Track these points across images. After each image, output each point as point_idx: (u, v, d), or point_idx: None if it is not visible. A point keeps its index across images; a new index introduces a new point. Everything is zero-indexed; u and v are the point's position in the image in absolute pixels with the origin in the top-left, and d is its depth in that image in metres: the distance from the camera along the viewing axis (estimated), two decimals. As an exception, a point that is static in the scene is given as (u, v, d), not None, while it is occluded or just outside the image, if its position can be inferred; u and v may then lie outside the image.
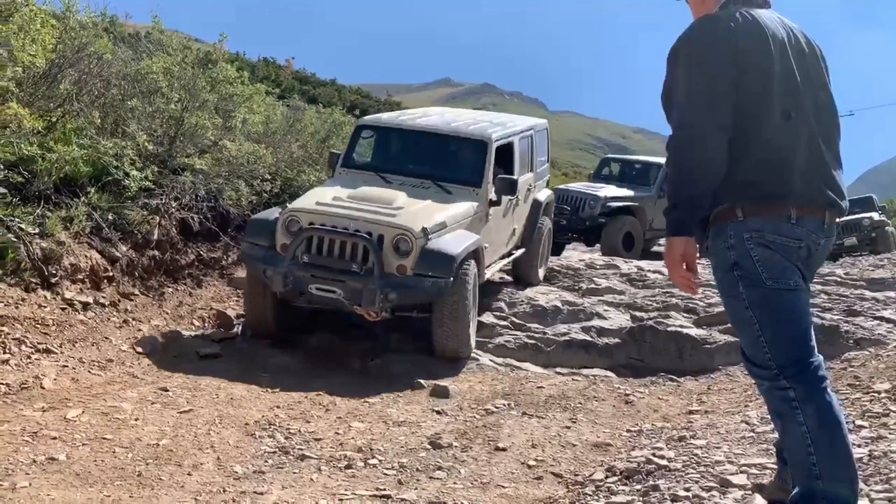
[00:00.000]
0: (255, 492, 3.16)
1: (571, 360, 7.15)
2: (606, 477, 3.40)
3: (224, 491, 3.16)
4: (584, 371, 6.70)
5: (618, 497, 3.01)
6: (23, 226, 5.85)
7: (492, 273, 7.19)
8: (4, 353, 4.84)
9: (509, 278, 8.58)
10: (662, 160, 13.93)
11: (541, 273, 8.80)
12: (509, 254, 8.02)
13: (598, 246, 12.93)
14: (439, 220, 6.11)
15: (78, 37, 7.55)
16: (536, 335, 7.47)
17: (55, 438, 3.58)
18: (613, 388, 5.71)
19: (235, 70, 9.46)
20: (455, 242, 6.03)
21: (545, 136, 9.10)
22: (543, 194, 8.80)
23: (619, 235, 12.30)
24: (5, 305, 5.25)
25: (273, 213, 6.39)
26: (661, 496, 2.89)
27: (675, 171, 2.31)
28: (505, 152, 7.44)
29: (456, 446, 4.01)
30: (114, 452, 3.49)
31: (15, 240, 5.67)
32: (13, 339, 5.05)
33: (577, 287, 8.83)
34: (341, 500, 3.14)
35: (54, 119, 7.28)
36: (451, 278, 5.78)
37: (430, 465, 3.68)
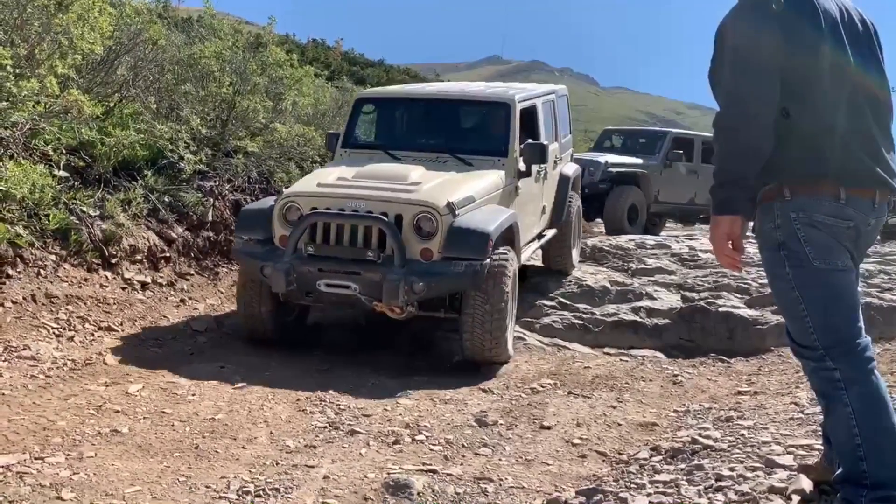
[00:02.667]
0: (307, 465, 3.27)
1: (620, 341, 7.13)
2: (651, 456, 3.41)
3: (277, 464, 3.27)
4: (633, 352, 6.68)
5: (662, 476, 3.02)
6: (84, 208, 6.09)
7: (526, 257, 6.37)
8: (70, 330, 5.07)
9: (538, 262, 7.79)
10: (668, 129, 13.10)
11: (575, 256, 8.06)
12: (540, 235, 7.14)
13: (598, 221, 11.95)
14: (466, 193, 5.28)
15: (133, 23, 7.75)
16: (584, 315, 7.46)
17: (118, 412, 3.75)
18: (661, 369, 5.68)
19: (285, 53, 9.59)
20: (487, 218, 5.22)
21: (566, 103, 8.16)
22: (570, 168, 7.92)
23: (624, 208, 11.28)
24: (69, 285, 5.49)
25: (267, 202, 5.64)
26: (704, 475, 2.89)
27: (721, 149, 2.29)
28: (529, 117, 6.53)
29: (501, 424, 4.06)
30: (172, 426, 3.64)
31: (77, 222, 5.91)
32: (77, 317, 5.28)
33: (626, 267, 8.77)
34: (389, 473, 3.22)
35: (112, 104, 7.51)
36: (487, 260, 4.98)
37: (475, 442, 3.74)
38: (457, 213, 5.04)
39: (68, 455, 3.15)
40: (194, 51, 8.43)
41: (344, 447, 3.56)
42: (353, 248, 4.99)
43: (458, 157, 5.93)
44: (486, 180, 5.66)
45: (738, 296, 7.56)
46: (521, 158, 6.06)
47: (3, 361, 4.42)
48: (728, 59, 2.25)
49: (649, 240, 9.96)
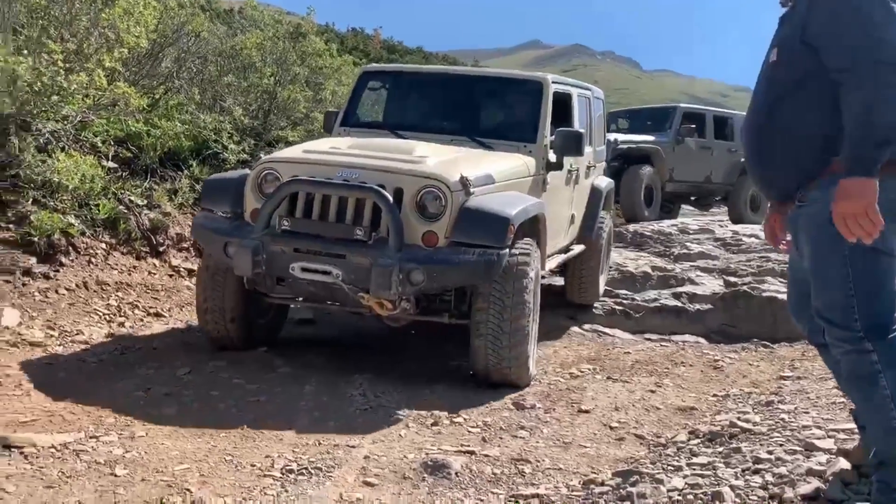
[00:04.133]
0: (348, 445, 3.35)
1: (661, 327, 7.10)
2: (689, 439, 3.41)
3: (319, 444, 3.36)
4: (674, 337, 6.65)
5: (699, 458, 3.02)
6: (132, 198, 6.28)
7: (549, 268, 5.37)
8: (120, 315, 5.25)
9: (558, 282, 6.77)
10: (677, 104, 12.13)
11: (601, 285, 6.90)
12: (567, 249, 6.10)
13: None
14: (484, 171, 4.44)
15: (177, 16, 7.92)
16: (625, 301, 7.44)
17: (167, 395, 3.88)
18: (702, 354, 5.65)
19: (324, 42, 9.70)
20: (509, 201, 4.33)
21: (602, 108, 7.08)
22: (603, 181, 6.92)
23: (640, 189, 10.28)
24: (119, 272, 5.67)
25: (242, 172, 4.82)
26: (742, 458, 2.89)
27: (882, 108, 2.08)
28: (563, 104, 5.67)
29: (539, 407, 4.09)
30: (218, 408, 3.76)
31: (125, 211, 6.09)
32: (127, 303, 5.46)
33: (668, 252, 8.69)
34: (427, 453, 3.28)
35: (157, 96, 7.70)
36: (506, 250, 4.07)
37: (513, 425, 3.78)
38: (471, 191, 4.17)
39: (120, 434, 3.27)
40: (236, 42, 8.59)
41: (384, 428, 3.63)
42: (339, 226, 4.07)
43: (478, 142, 5.10)
44: (509, 162, 4.85)
45: (783, 280, 7.45)
46: (552, 148, 5.19)
47: (59, 346, 4.60)
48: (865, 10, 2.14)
49: (692, 224, 9.86)
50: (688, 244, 8.88)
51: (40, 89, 5.41)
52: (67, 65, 5.75)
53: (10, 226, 5.39)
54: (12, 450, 2.99)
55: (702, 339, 6.54)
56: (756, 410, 3.75)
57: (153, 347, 4.77)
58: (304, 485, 2.90)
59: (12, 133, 5.77)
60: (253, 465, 3.06)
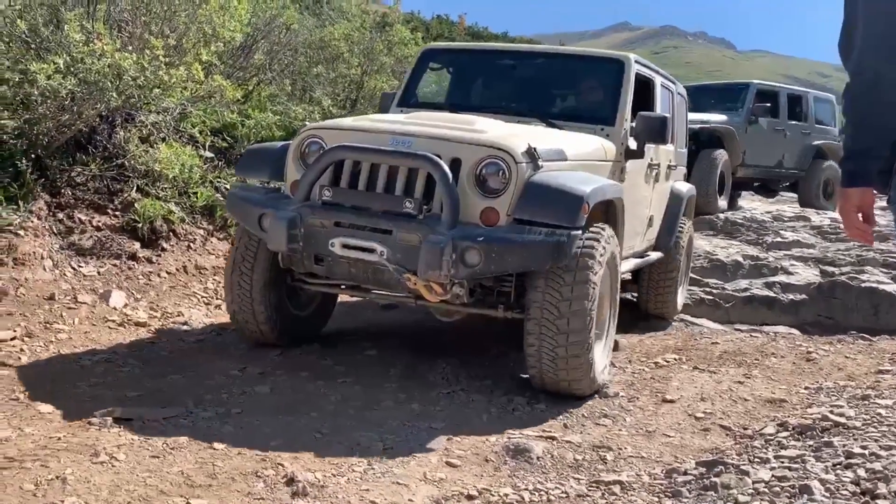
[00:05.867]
0: (431, 427, 3.43)
1: (752, 317, 6.91)
2: (777, 431, 3.34)
3: (404, 425, 3.46)
4: (766, 328, 6.46)
5: (788, 451, 2.96)
6: (228, 186, 6.55)
7: (623, 270, 4.70)
8: (217, 298, 5.51)
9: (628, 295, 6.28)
10: (750, 81, 10.89)
11: (680, 300, 6.40)
12: (643, 254, 5.62)
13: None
14: (556, 146, 4.00)
15: (268, 9, 8.18)
16: (714, 290, 7.27)
17: (261, 374, 4.06)
18: (795, 346, 5.47)
19: (410, 31, 9.81)
20: (582, 178, 3.88)
21: (685, 107, 6.58)
22: (684, 186, 6.37)
23: (716, 176, 9.33)
24: (216, 257, 5.94)
25: (283, 143, 4.45)
26: (833, 452, 2.81)
27: (852, 119, 2.19)
28: (645, 89, 5.23)
29: (623, 396, 4.07)
30: (308, 389, 3.91)
31: (222, 199, 6.36)
32: (224, 286, 5.71)
33: (760, 241, 8.43)
34: (509, 437, 3.33)
35: (250, 88, 7.99)
36: (577, 231, 3.60)
37: (595, 413, 3.78)
38: (540, 164, 3.71)
39: (217, 411, 3.46)
40: (324, 33, 8.79)
41: (466, 411, 3.70)
42: (387, 197, 3.68)
43: (550, 123, 4.64)
44: (585, 141, 4.42)
45: (885, 270, 7.13)
46: (632, 135, 4.73)
47: (161, 326, 4.87)
48: (861, 14, 2.13)
49: (787, 211, 9.52)
50: (782, 232, 8.58)
51: (143, 83, 5.70)
52: (168, 59, 6.03)
53: (117, 213, 5.73)
54: (122, 422, 3.21)
55: (795, 331, 6.34)
56: (851, 404, 3.63)
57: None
58: (389, 463, 3.00)
59: (118, 125, 6.12)
60: (340, 443, 3.18)
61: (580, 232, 3.62)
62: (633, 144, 4.73)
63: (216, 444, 3.07)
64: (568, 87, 5.35)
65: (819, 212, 9.89)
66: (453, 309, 3.98)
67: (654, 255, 5.73)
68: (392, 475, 2.90)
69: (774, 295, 7.15)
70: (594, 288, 3.68)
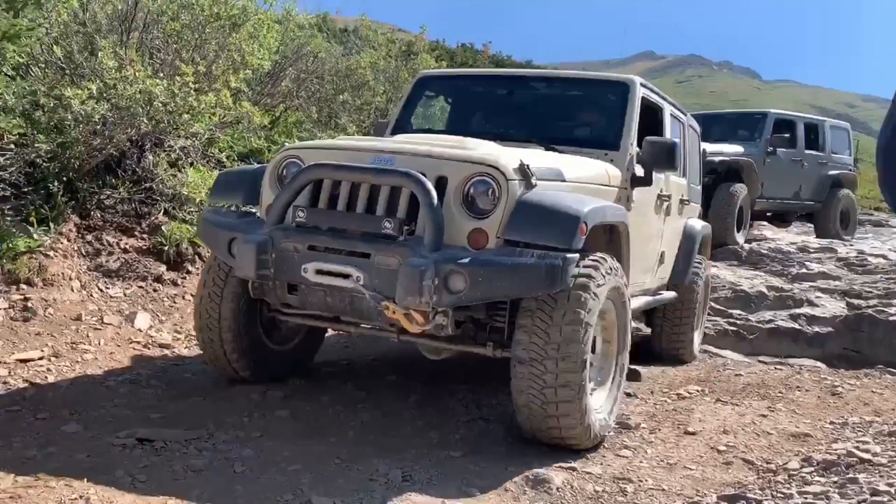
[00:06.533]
0: (450, 455, 3.42)
1: (776, 349, 6.85)
2: (801, 466, 3.29)
3: (423, 453, 3.45)
4: (790, 360, 6.39)
5: (812, 487, 2.91)
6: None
7: (636, 307, 4.50)
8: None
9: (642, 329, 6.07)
10: (768, 110, 10.64)
11: (696, 343, 6.10)
12: (655, 293, 5.33)
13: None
14: (552, 166, 3.71)
15: (297, 37, 8.34)
16: (738, 322, 7.21)
17: (282, 398, 4.08)
18: (820, 379, 5.39)
19: (434, 59, 9.94)
20: (580, 198, 3.52)
21: (697, 141, 6.28)
22: (699, 224, 6.01)
23: (735, 209, 9.10)
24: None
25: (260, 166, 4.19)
26: (859, 489, 2.77)
27: None
28: (651, 114, 4.98)
29: (644, 427, 4.04)
30: (328, 414, 3.92)
31: (247, 223, 6.45)
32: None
33: (785, 272, 8.36)
34: (529, 467, 3.30)
35: (278, 114, 8.12)
36: (575, 255, 3.24)
37: (616, 444, 3.75)
38: (533, 182, 3.38)
39: (238, 434, 3.48)
40: (351, 62, 8.92)
41: (485, 440, 3.68)
42: (364, 218, 3.39)
43: (551, 149, 4.33)
44: (586, 164, 4.10)
45: (913, 304, 7.02)
46: (639, 161, 4.42)
47: (185, 348, 4.92)
48: None
49: (813, 243, 9.44)
50: (807, 263, 8.51)
51: (173, 109, 5.83)
52: (197, 85, 6.16)
53: (144, 235, 5.83)
54: (145, 443, 3.24)
55: (820, 364, 6.26)
56: (877, 440, 3.57)
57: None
58: (408, 491, 2.99)
59: (147, 149, 6.25)
60: (360, 470, 3.19)
61: (577, 256, 3.26)
62: (640, 172, 4.42)
63: (236, 468, 3.09)
64: (571, 111, 5.05)
65: (845, 243, 9.79)
66: (441, 346, 3.64)
67: (667, 295, 5.48)
68: (410, 502, 2.89)
69: (799, 327, 7.08)
70: (588, 325, 3.30)
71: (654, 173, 4.44)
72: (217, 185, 4.14)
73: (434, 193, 3.24)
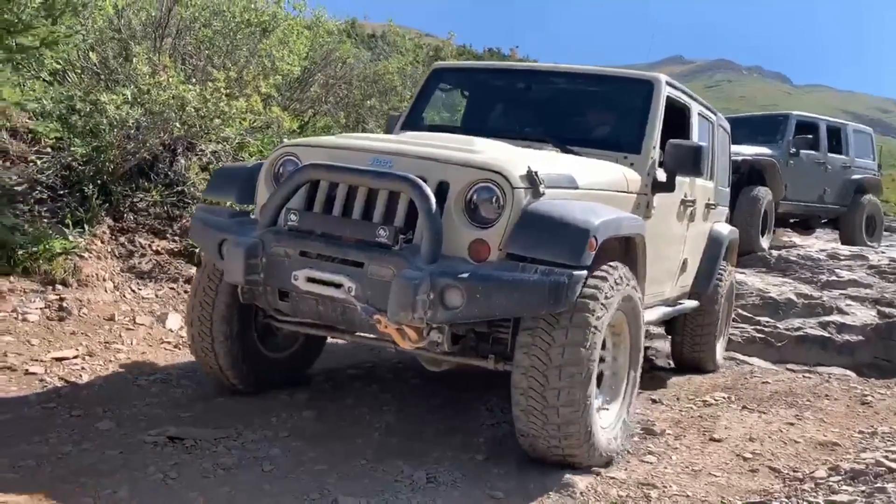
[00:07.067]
0: (473, 458, 3.44)
1: (805, 357, 6.77)
2: (829, 475, 3.27)
3: (448, 455, 3.48)
4: (819, 369, 6.32)
5: (839, 496, 2.89)
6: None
7: (648, 320, 4.19)
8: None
9: (658, 347, 6.15)
10: (789, 112, 10.34)
11: (719, 352, 5.88)
12: (676, 302, 5.12)
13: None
14: (564, 171, 3.49)
15: (325, 43, 8.44)
16: (766, 329, 7.14)
17: (309, 399, 4.14)
18: (849, 388, 5.33)
19: (462, 65, 9.98)
20: (592, 208, 3.30)
21: (727, 141, 6.08)
22: (725, 228, 5.72)
23: (758, 213, 8.84)
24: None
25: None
26: (887, 499, 2.75)
27: None
28: (678, 115, 4.73)
29: (669, 434, 4.03)
30: (354, 415, 3.97)
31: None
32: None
33: (815, 279, 8.26)
34: (553, 471, 3.31)
35: (307, 119, 8.21)
36: (582, 272, 3.04)
37: (640, 450, 3.75)
38: (542, 191, 3.16)
39: (266, 434, 3.54)
40: (378, 67, 9.01)
41: (507, 444, 3.70)
42: (360, 224, 3.19)
43: (567, 150, 4.09)
44: (602, 168, 3.89)
45: (946, 313, 6.91)
46: (661, 165, 4.21)
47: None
48: None
49: (843, 250, 9.32)
50: (837, 271, 8.40)
51: (205, 114, 5.94)
52: (228, 91, 6.27)
53: (176, 238, 5.94)
54: (176, 441, 3.32)
55: (850, 373, 6.18)
56: (907, 450, 3.53)
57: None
58: (432, 494, 3.02)
59: (180, 153, 6.37)
60: (385, 471, 3.22)
61: (584, 273, 3.04)
62: (662, 177, 4.19)
63: (264, 466, 3.15)
64: (590, 110, 4.76)
65: (877, 250, 9.65)
66: (441, 358, 3.44)
67: (689, 304, 5.24)
68: (435, 504, 2.93)
69: (829, 335, 6.99)
70: (594, 344, 3.10)
71: (677, 178, 4.24)
72: (212, 182, 3.97)
73: (433, 200, 3.04)
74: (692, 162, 4.07)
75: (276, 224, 3.32)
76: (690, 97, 4.96)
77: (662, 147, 4.20)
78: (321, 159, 3.36)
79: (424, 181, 3.08)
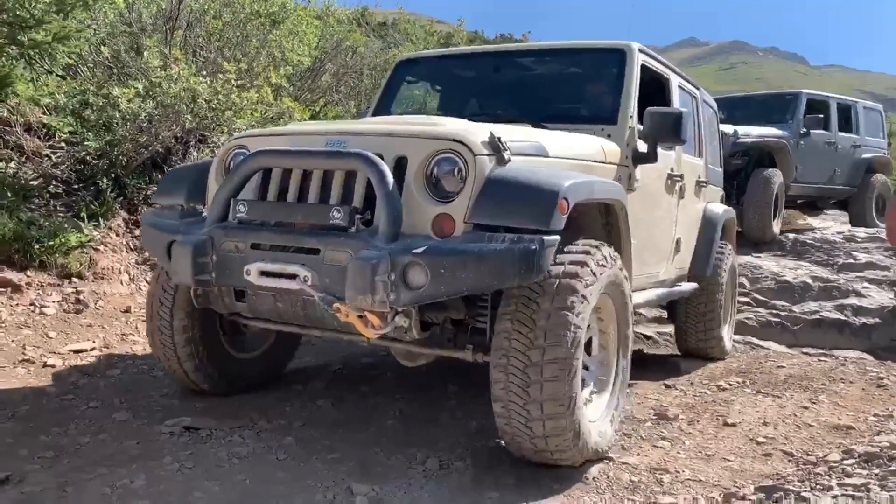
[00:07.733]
0: (487, 444, 3.47)
1: (821, 341, 6.73)
2: (843, 458, 3.25)
3: (461, 442, 3.50)
4: (835, 352, 6.28)
5: (853, 479, 2.88)
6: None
7: (638, 302, 4.03)
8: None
9: (662, 335, 6.12)
10: (800, 90, 10.02)
11: (726, 338, 5.69)
12: (672, 285, 4.95)
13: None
14: (533, 139, 3.29)
15: (336, 33, 8.43)
16: (782, 313, 7.11)
17: (323, 388, 4.18)
18: (865, 371, 5.30)
19: (473, 52, 9.94)
20: (562, 173, 3.10)
21: (714, 117, 5.88)
22: (720, 208, 5.60)
23: (771, 197, 8.39)
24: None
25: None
26: (900, 482, 2.73)
27: None
28: (656, 86, 4.58)
29: (682, 419, 4.03)
30: (368, 403, 4.00)
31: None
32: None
33: (831, 262, 8.19)
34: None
35: (318, 109, 8.22)
36: (555, 237, 2.80)
37: (654, 435, 3.75)
38: (506, 157, 2.94)
39: (280, 423, 3.58)
40: (389, 56, 8.99)
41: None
42: (312, 208, 2.98)
43: (542, 127, 3.80)
44: (576, 139, 3.65)
45: (964, 294, 6.84)
46: (640, 136, 3.98)
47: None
48: None
49: (860, 232, 9.22)
50: (854, 253, 8.33)
51: (216, 106, 5.96)
52: (239, 82, 6.29)
53: (190, 230, 5.98)
54: (191, 431, 3.36)
55: (866, 356, 6.14)
56: (922, 433, 3.51)
57: (311, 343, 5.13)
58: (446, 480, 3.05)
59: (192, 146, 6.40)
60: (399, 458, 3.25)
61: (556, 238, 2.80)
62: (642, 147, 3.97)
63: (279, 455, 3.18)
64: (563, 86, 4.54)
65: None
66: (415, 350, 3.25)
67: (687, 286, 5.06)
68: (449, 491, 2.95)
69: (845, 318, 6.95)
70: (578, 327, 2.88)
71: (659, 148, 3.98)
72: (161, 184, 3.76)
73: (389, 175, 2.82)
74: (672, 129, 3.81)
75: (226, 219, 3.11)
76: (670, 69, 4.79)
77: (641, 120, 3.99)
78: (271, 145, 3.21)
79: (382, 158, 2.88)
